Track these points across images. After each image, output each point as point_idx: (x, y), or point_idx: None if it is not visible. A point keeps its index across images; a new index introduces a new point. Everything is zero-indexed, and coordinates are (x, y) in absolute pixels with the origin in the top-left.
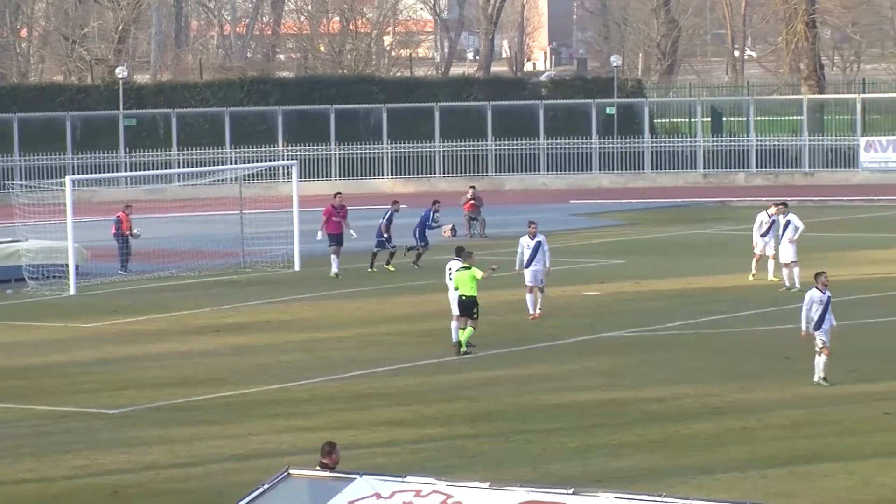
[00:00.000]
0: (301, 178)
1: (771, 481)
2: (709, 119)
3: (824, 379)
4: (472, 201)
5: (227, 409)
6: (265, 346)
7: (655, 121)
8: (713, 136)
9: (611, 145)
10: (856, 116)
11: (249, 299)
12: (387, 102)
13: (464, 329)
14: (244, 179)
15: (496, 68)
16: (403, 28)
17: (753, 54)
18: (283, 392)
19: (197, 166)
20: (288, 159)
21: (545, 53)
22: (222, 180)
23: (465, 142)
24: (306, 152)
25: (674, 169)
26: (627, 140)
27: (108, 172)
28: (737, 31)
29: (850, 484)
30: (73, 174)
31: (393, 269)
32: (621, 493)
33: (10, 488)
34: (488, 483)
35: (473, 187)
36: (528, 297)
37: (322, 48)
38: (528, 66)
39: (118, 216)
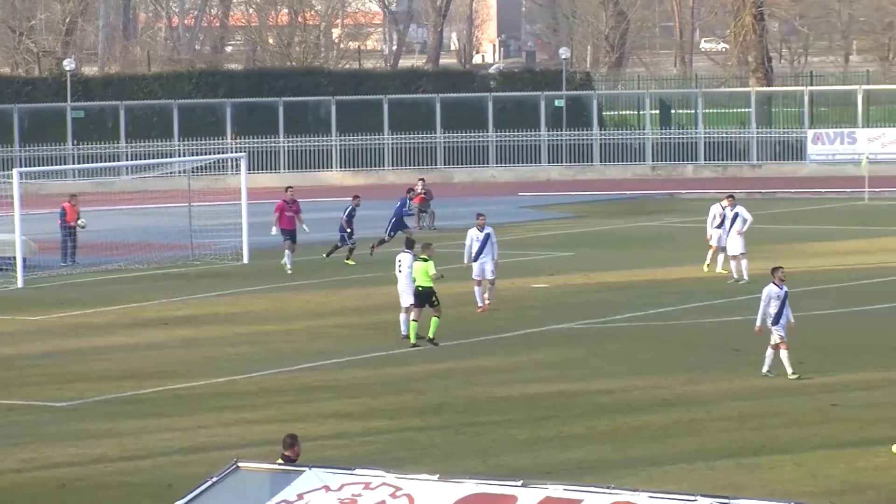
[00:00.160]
0: (250, 170)
1: (719, 473)
2: (657, 111)
3: (793, 374)
4: (421, 194)
5: (176, 402)
6: (214, 338)
7: (604, 113)
8: (661, 129)
9: (559, 138)
10: (803, 109)
11: (198, 292)
12: (335, 95)
13: (416, 321)
14: (193, 172)
15: (445, 61)
16: (352, 20)
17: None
18: (231, 385)
19: (145, 159)
20: (236, 152)
21: (494, 46)
22: (171, 173)
23: (413, 134)
24: (255, 145)
25: (622, 161)
26: (576, 132)
27: (56, 165)
28: (685, 24)
29: (798, 475)
30: (21, 167)
31: (353, 262)
32: (570, 484)
33: None
34: (437, 475)
35: (422, 180)
36: (477, 289)
37: (271, 40)
38: (477, 59)
39: (63, 207)
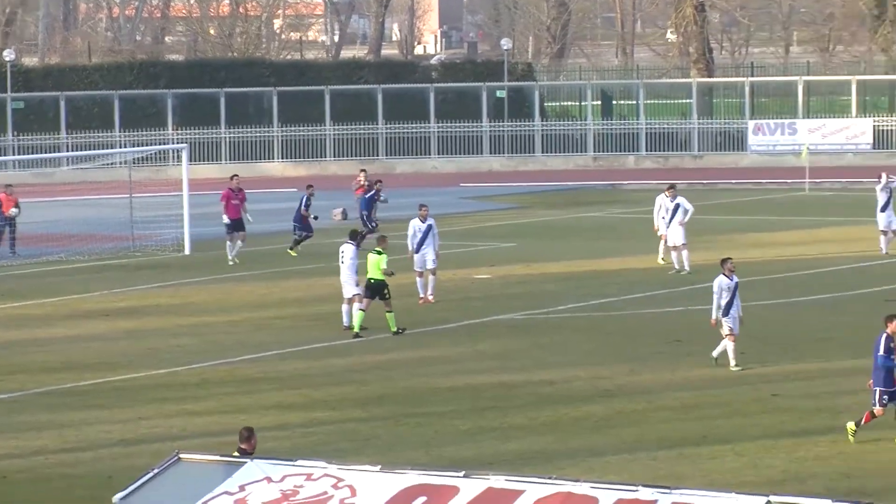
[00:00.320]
0: (191, 161)
1: (660, 463)
2: (599, 102)
3: (736, 366)
4: (363, 185)
5: (117, 394)
6: (155, 330)
7: (546, 104)
8: (603, 120)
9: (501, 128)
10: (744, 100)
11: (139, 283)
12: (277, 86)
13: (364, 311)
14: (134, 163)
15: (387, 51)
16: (293, 11)
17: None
18: (172, 376)
19: (86, 150)
20: (178, 143)
21: (436, 37)
22: (111, 164)
23: (355, 125)
24: (196, 135)
25: (564, 152)
26: (518, 123)
27: None
28: (626, 15)
29: (739, 465)
30: None
31: (296, 254)
32: (512, 475)
33: None
34: (379, 466)
35: (364, 171)
36: (419, 280)
37: (212, 31)
38: (419, 50)
39: None
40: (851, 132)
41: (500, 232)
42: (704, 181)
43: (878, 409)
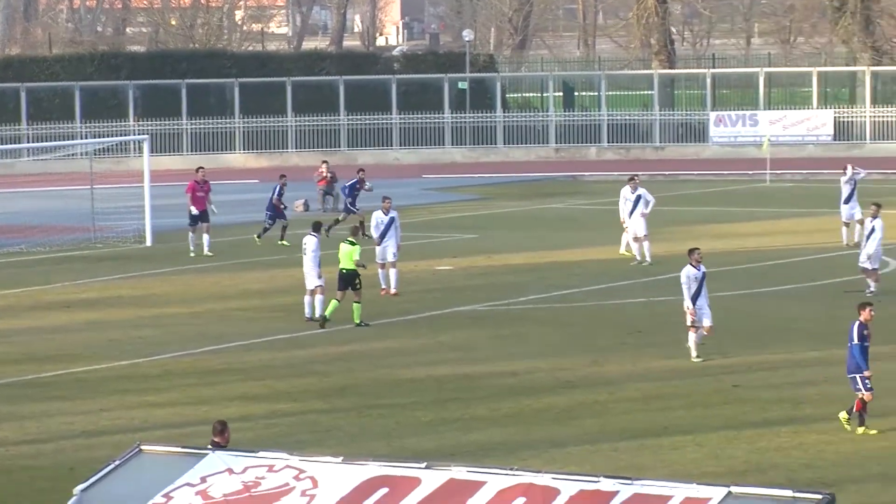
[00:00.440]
0: (152, 152)
1: (622, 454)
2: (560, 94)
3: (697, 357)
4: (326, 177)
5: (79, 385)
6: (117, 321)
7: (507, 95)
8: (565, 111)
9: (463, 120)
10: (706, 91)
11: (101, 275)
12: (238, 77)
13: (339, 301)
14: (95, 154)
15: (348, 43)
16: (255, 2)
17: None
18: (134, 368)
19: (47, 141)
20: (139, 134)
21: (397, 28)
22: (73, 155)
23: (317, 116)
24: (158, 127)
25: (526, 143)
26: (480, 115)
27: None
28: (588, 6)
29: (700, 456)
30: None
31: (260, 242)
32: (474, 466)
33: None
34: (341, 458)
35: (326, 162)
36: (381, 272)
37: (173, 22)
38: (381, 41)
39: None
40: (812, 123)
41: (462, 223)
42: (666, 172)
43: (867, 395)
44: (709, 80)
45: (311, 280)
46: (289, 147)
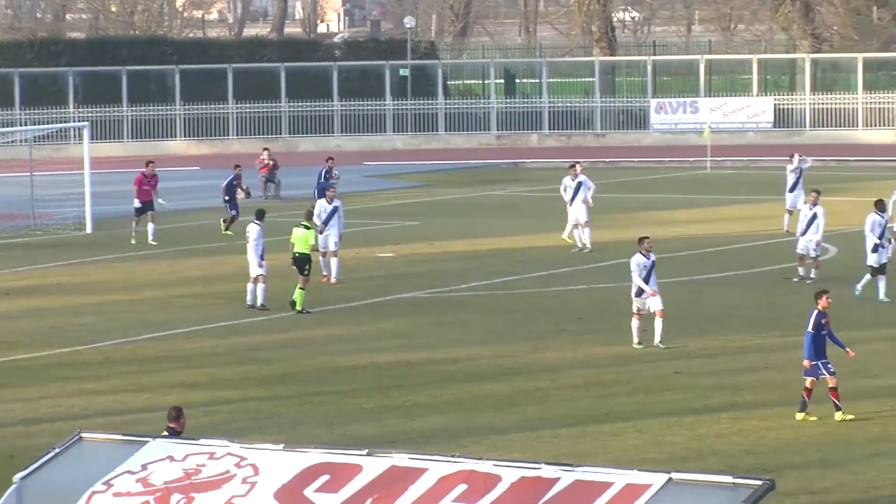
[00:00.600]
0: (93, 139)
1: (563, 441)
2: (502, 81)
3: (638, 343)
4: (268, 164)
5: (19, 373)
6: (57, 308)
7: (449, 83)
8: (506, 98)
9: (404, 107)
10: (646, 79)
11: (40, 262)
12: (179, 64)
13: (303, 288)
14: (34, 141)
15: (289, 30)
16: None
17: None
18: (75, 355)
19: None
20: (79, 121)
21: (339, 15)
22: (12, 142)
23: (258, 103)
24: (98, 114)
25: (467, 130)
26: (421, 102)
27: None
28: None
29: (641, 442)
30: None
31: (231, 232)
32: (415, 453)
33: None
34: (282, 445)
35: (267, 149)
36: (322, 260)
37: (113, 8)
38: (322, 28)
39: None
40: (752, 111)
41: (404, 210)
42: (607, 159)
43: (831, 380)
44: (649, 68)
45: (254, 268)
46: (230, 134)
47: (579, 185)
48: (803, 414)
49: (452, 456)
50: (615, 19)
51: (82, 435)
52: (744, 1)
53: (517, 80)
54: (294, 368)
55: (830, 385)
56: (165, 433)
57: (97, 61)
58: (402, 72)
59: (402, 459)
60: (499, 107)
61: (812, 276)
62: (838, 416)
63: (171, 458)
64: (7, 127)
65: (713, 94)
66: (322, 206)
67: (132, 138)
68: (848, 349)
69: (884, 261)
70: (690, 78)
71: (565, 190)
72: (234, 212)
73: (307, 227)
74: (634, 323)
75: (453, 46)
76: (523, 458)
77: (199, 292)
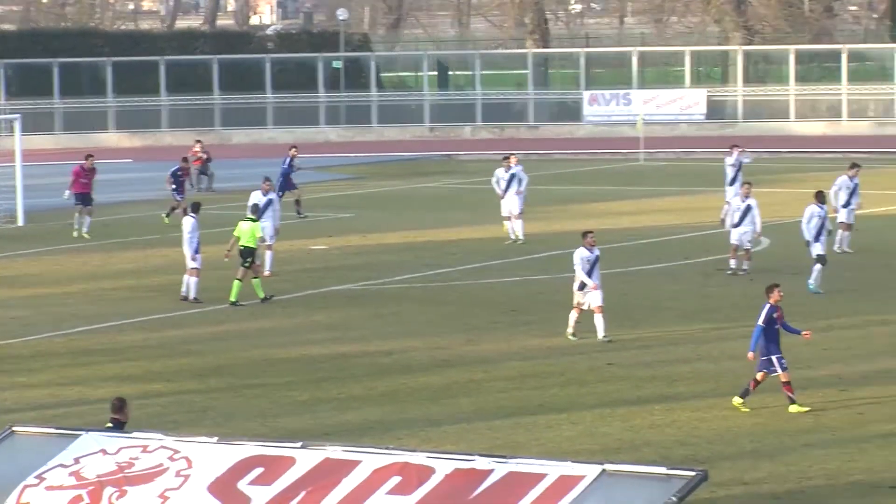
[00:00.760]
0: (24, 132)
1: (497, 432)
2: (435, 73)
3: (572, 335)
4: (201, 156)
5: None
6: None
7: (382, 75)
8: (439, 90)
9: (338, 99)
10: (580, 71)
11: None
12: (111, 56)
13: (241, 280)
14: None
15: (222, 22)
16: None
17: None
18: (6, 348)
19: None
20: (10, 113)
21: (271, 7)
22: None
23: (191, 96)
24: (29, 106)
25: (400, 123)
26: (354, 94)
27: None
28: None
29: (575, 434)
30: None
31: (168, 221)
32: (349, 446)
33: None
34: (216, 438)
35: (200, 142)
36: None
37: (44, 0)
38: (255, 20)
39: None
40: (685, 102)
41: (337, 202)
42: (540, 151)
43: (784, 375)
44: (583, 60)
45: (188, 261)
46: (162, 127)
47: (512, 176)
48: (741, 401)
49: (386, 448)
50: (548, 11)
51: (14, 429)
52: None
53: (450, 73)
54: (228, 361)
55: (783, 380)
56: (110, 424)
57: (28, 53)
58: (335, 64)
59: (336, 452)
60: (432, 99)
61: (744, 267)
62: (793, 408)
63: (104, 452)
64: None
65: (646, 86)
66: (256, 198)
67: (64, 131)
68: (804, 332)
69: (822, 252)
70: (623, 70)
71: (497, 182)
72: (179, 197)
73: (253, 220)
74: (573, 315)
75: (386, 39)
76: (457, 450)
77: (132, 285)
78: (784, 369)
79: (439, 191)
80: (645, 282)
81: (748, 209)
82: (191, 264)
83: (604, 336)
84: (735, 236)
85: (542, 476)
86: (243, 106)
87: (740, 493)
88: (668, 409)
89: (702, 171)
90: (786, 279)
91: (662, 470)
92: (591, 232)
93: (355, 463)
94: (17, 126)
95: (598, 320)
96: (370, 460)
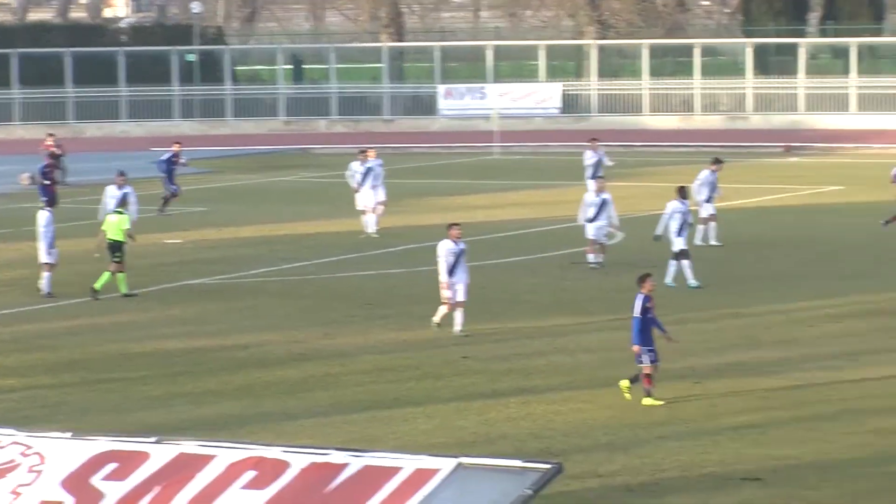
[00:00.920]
0: None
1: (353, 426)
2: (290, 67)
3: (438, 325)
4: (54, 150)
5: None
6: None
7: (236, 68)
8: (294, 84)
9: (192, 93)
10: (434, 65)
11: None
12: None
13: (112, 273)
14: None
15: (75, 14)
16: None
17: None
18: None
19: None
20: None
21: None
22: None
23: (43, 89)
24: None
25: (255, 116)
26: (209, 87)
27: None
28: None
29: (430, 427)
30: None
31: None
32: (205, 440)
33: None
34: (70, 433)
35: (52, 135)
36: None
37: None
38: (108, 13)
39: None
40: (540, 96)
41: (192, 196)
42: (395, 145)
43: (647, 368)
44: (437, 54)
45: (41, 255)
46: (14, 119)
47: (368, 170)
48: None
49: (242, 443)
50: (403, 5)
51: None
52: None
53: (305, 66)
54: (81, 356)
55: (646, 371)
56: None
57: None
58: (188, 57)
59: (190, 447)
60: (287, 93)
61: (599, 260)
62: (647, 401)
63: None
64: None
65: (501, 80)
66: (110, 193)
67: None
68: (670, 336)
69: (684, 246)
70: (478, 64)
71: (353, 176)
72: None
73: (120, 213)
74: (441, 309)
75: (241, 32)
76: (313, 444)
77: None
78: (653, 363)
79: (295, 184)
80: (501, 275)
81: (603, 203)
82: (44, 259)
83: (460, 330)
84: (591, 231)
85: (397, 470)
86: (97, 99)
87: (595, 486)
88: (524, 403)
89: (557, 165)
90: (642, 273)
91: (517, 463)
92: (457, 224)
93: (210, 458)
94: None
95: (458, 315)
96: (225, 455)
